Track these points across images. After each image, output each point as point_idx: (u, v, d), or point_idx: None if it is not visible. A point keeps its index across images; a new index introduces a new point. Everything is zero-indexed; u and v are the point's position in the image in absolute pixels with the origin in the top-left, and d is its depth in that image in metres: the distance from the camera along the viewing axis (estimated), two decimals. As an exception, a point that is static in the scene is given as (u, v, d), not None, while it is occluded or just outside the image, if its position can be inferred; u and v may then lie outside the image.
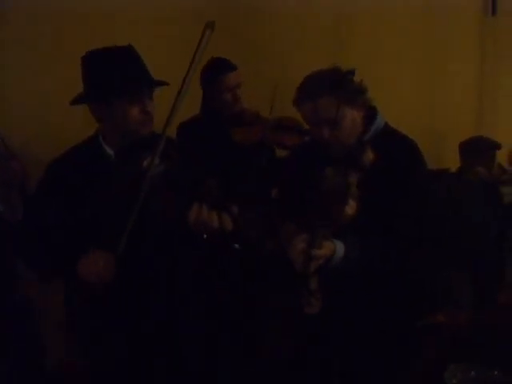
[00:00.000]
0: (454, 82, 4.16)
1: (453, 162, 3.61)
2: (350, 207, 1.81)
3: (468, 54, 4.28)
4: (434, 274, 2.49)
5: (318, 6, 3.59)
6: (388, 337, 2.01)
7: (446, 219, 2.74)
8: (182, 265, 1.99)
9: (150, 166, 1.78)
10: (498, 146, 3.51)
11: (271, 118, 2.80)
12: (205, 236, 1.77)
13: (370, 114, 2.07)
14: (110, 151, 1.97)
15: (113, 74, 1.89)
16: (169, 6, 3.23)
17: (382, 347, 1.99)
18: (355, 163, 1.87)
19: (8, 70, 2.90)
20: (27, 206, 2.22)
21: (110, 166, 1.91)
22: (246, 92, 2.90)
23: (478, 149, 3.36)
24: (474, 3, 4.26)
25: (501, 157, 3.69)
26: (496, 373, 1.75)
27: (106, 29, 3.02)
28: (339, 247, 1.88)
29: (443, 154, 3.66)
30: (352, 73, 1.95)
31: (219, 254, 2.06)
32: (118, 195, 1.83)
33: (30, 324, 2.65)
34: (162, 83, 1.98)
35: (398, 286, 2.02)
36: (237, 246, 1.77)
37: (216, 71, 2.82)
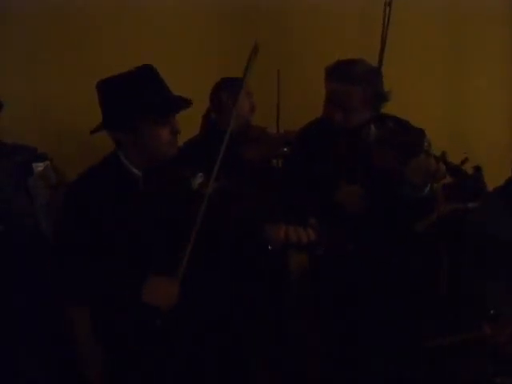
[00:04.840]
0: (485, 93, 4.10)
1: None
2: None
3: (499, 63, 4.22)
4: (477, 282, 2.50)
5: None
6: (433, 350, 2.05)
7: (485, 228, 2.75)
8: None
9: (207, 186, 1.82)
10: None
11: (277, 133, 2.78)
12: (270, 248, 1.86)
13: None
14: (136, 172, 1.94)
15: (137, 100, 1.82)
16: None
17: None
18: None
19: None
20: (59, 233, 2.10)
21: (139, 186, 1.90)
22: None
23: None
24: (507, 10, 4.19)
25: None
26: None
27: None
28: None
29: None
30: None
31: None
32: (162, 216, 1.86)
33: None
34: (187, 102, 1.93)
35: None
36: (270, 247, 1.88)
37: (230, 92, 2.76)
